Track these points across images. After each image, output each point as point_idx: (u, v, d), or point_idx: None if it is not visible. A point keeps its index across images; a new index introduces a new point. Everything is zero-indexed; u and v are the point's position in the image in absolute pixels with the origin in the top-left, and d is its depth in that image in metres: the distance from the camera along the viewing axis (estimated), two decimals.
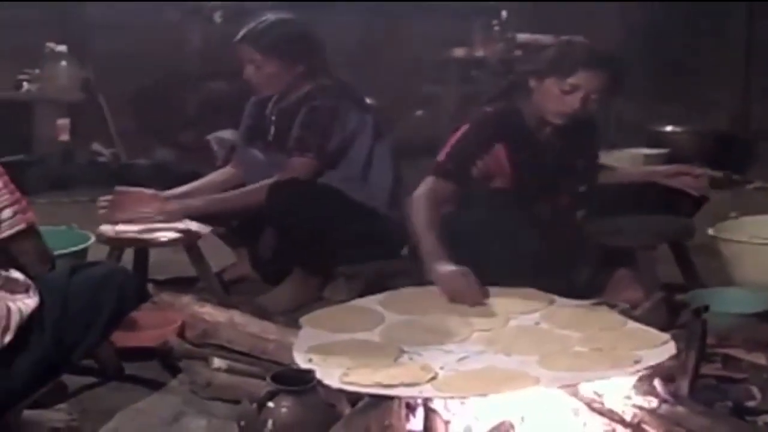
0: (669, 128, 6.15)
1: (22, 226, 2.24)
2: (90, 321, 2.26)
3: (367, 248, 3.21)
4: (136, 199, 3.34)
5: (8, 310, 2.13)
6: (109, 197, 3.35)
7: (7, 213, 2.21)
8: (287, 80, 3.39)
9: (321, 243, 3.21)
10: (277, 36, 3.36)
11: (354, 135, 3.34)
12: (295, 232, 3.24)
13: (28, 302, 2.17)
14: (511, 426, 2.15)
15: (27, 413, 2.32)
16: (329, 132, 3.30)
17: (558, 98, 3.03)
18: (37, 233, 2.34)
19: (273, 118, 3.46)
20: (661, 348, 2.39)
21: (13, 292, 2.17)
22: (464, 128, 3.09)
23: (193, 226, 3.27)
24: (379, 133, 3.39)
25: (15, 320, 2.13)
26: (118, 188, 3.39)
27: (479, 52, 6.37)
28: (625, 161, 5.13)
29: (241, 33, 3.39)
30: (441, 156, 3.07)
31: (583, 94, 3.01)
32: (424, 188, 3.00)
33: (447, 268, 2.79)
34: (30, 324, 2.16)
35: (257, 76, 3.38)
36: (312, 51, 3.41)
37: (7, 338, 2.11)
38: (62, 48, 5.74)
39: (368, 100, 3.62)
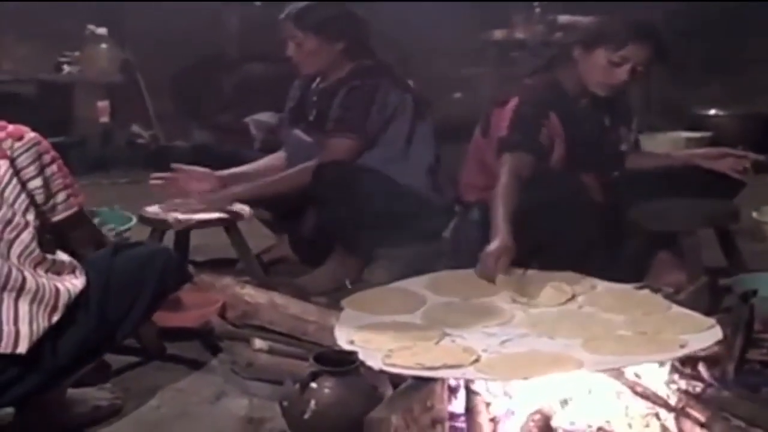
0: (712, 111, 6.07)
1: (75, 209, 2.28)
2: (133, 300, 2.27)
3: (407, 230, 3.20)
4: (192, 177, 3.36)
5: (57, 290, 2.15)
6: (162, 174, 3.37)
7: (61, 196, 2.26)
8: (327, 58, 3.39)
9: (362, 224, 3.20)
10: (318, 14, 3.37)
11: (394, 115, 3.33)
12: (337, 214, 3.23)
13: (75, 282, 2.19)
14: (553, 409, 2.15)
15: (71, 391, 2.34)
16: (369, 112, 3.29)
17: (606, 69, 3.05)
18: (87, 216, 2.40)
19: (314, 98, 3.46)
20: (707, 332, 2.36)
21: (59, 273, 2.20)
22: (515, 101, 3.07)
23: (236, 206, 3.28)
24: (419, 113, 3.37)
25: (63, 300, 2.15)
26: (175, 165, 3.41)
27: (519, 34, 6.32)
28: (667, 145, 5.07)
29: (285, 11, 3.41)
30: (502, 131, 3.05)
31: (630, 66, 3.03)
32: (505, 168, 2.96)
33: (493, 244, 2.78)
34: (76, 304, 2.18)
35: (298, 53, 3.40)
36: (352, 30, 3.41)
37: (55, 318, 2.14)
38: (102, 30, 5.76)
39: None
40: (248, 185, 3.37)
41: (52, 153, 2.27)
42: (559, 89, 3.13)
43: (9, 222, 2.15)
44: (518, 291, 2.67)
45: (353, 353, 2.18)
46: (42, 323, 2.12)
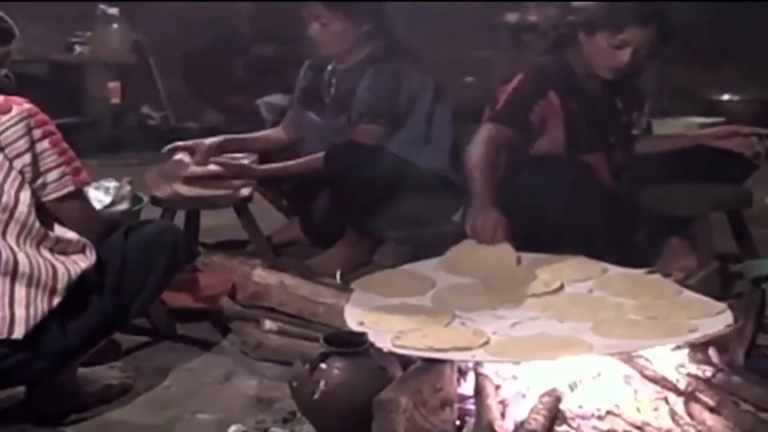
0: (725, 96, 6.03)
1: (68, 190, 2.19)
2: (145, 278, 2.27)
3: (423, 212, 3.19)
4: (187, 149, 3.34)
5: (54, 272, 2.11)
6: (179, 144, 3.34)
7: (53, 175, 2.17)
8: (351, 40, 3.35)
9: (376, 206, 3.18)
10: None
11: (416, 97, 3.31)
12: (350, 195, 3.22)
13: (80, 263, 2.16)
14: (562, 392, 2.15)
15: (82, 370, 2.35)
16: (396, 96, 3.28)
17: (607, 52, 3.04)
18: (87, 198, 2.33)
19: (333, 80, 3.43)
20: (718, 317, 2.35)
21: (65, 252, 2.16)
22: (518, 77, 3.08)
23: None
24: (439, 95, 3.36)
25: (63, 282, 2.12)
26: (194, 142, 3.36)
27: (532, 17, 6.29)
28: (680, 130, 5.02)
29: None
30: (498, 104, 3.07)
31: (632, 49, 3.02)
32: (483, 133, 3.01)
33: (481, 205, 2.81)
34: (88, 283, 2.17)
35: (322, 34, 3.35)
36: (376, 11, 3.38)
37: (56, 300, 2.11)
38: (114, 11, 5.76)
39: None
40: (273, 166, 3.34)
41: (45, 128, 2.17)
42: (565, 69, 3.13)
43: None
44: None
45: (363, 335, 2.18)
46: (41, 306, 2.09)
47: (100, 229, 2.28)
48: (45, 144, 2.16)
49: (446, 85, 3.59)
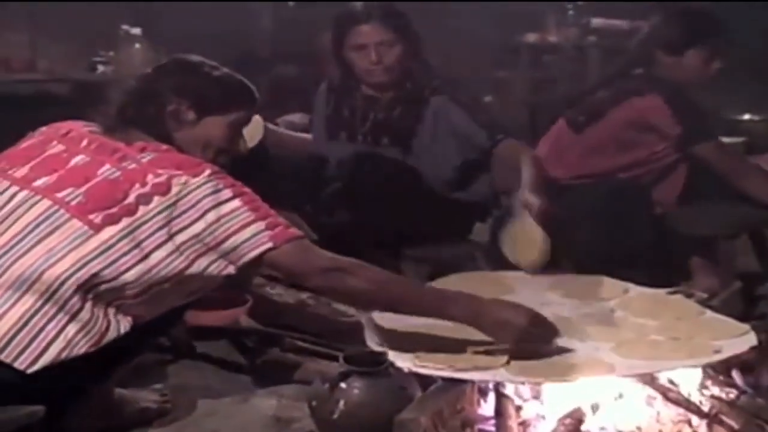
0: (746, 116, 6.00)
1: (267, 246, 2.06)
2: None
3: (436, 229, 3.18)
4: None
5: (107, 328, 2.01)
6: None
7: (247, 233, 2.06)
8: (406, 64, 3.18)
9: (395, 223, 3.17)
10: (398, 11, 3.19)
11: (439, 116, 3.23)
12: (371, 213, 3.18)
13: (128, 319, 2.05)
14: (584, 413, 2.13)
15: (120, 392, 2.32)
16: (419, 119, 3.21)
17: (700, 69, 3.17)
18: (298, 249, 2.13)
19: (365, 107, 3.29)
20: (742, 338, 2.33)
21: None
22: (655, 99, 3.10)
23: None
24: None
25: (109, 338, 2.01)
26: None
27: (552, 38, 6.29)
28: None
29: (362, 11, 3.15)
30: (669, 127, 3.10)
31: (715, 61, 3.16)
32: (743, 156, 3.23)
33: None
34: None
35: (389, 58, 3.14)
36: (414, 34, 3.23)
37: (91, 349, 2.00)
38: (137, 30, 5.80)
39: None
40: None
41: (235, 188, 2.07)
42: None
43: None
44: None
45: (383, 354, 2.17)
46: (74, 351, 1.98)
47: (319, 272, 2.11)
48: (235, 203, 2.07)
49: None
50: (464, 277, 2.82)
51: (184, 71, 2.28)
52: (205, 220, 2.04)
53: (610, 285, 2.73)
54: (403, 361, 2.18)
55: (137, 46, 5.80)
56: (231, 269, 2.08)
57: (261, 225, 2.07)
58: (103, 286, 2.00)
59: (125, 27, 5.80)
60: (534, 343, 2.18)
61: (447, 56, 6.18)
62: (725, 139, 5.81)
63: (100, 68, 5.89)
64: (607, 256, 2.86)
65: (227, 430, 2.31)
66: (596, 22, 6.11)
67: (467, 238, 3.36)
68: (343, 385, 2.07)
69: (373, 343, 2.34)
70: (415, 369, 2.16)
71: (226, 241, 2.05)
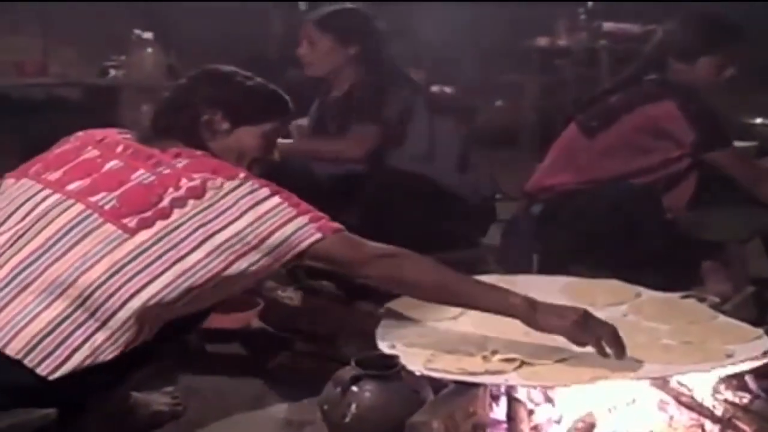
0: (759, 120, 5.98)
1: (316, 236, 2.07)
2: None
3: (445, 234, 3.19)
4: None
5: (137, 335, 1.99)
6: None
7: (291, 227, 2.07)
8: (337, 62, 3.40)
9: (405, 227, 3.17)
10: (336, 16, 3.42)
11: (410, 112, 3.34)
12: (379, 215, 3.21)
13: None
14: (596, 418, 2.12)
15: (133, 395, 2.33)
16: (383, 105, 3.31)
17: (713, 76, 3.15)
18: (344, 240, 2.15)
19: (333, 110, 3.47)
20: (755, 343, 2.31)
21: None
22: (669, 104, 3.09)
23: None
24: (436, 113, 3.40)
25: (136, 343, 2.01)
26: None
27: (563, 42, 6.29)
28: None
29: (312, 13, 3.49)
30: (682, 134, 3.09)
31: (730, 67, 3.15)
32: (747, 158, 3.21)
33: None
34: None
35: (310, 53, 3.42)
36: (368, 37, 3.42)
37: (114, 356, 1.98)
38: (148, 35, 5.82)
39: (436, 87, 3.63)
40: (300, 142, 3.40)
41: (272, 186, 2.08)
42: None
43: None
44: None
45: (395, 357, 2.17)
46: (99, 359, 1.96)
47: (373, 259, 2.13)
48: (275, 200, 2.07)
49: (476, 107, 3.61)
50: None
51: (217, 81, 2.28)
52: (245, 219, 2.03)
53: (621, 289, 2.72)
54: (414, 364, 2.17)
55: (149, 50, 5.82)
56: (275, 266, 2.07)
57: (305, 219, 2.07)
58: (140, 293, 1.97)
59: (137, 31, 5.82)
60: (587, 340, 2.12)
61: (457, 60, 6.20)
62: (737, 143, 5.84)
63: (112, 72, 5.91)
64: (619, 260, 2.85)
65: None
66: (607, 26, 6.10)
67: (478, 241, 3.35)
68: (354, 388, 2.07)
69: (384, 347, 2.34)
70: (426, 372, 2.15)
71: (271, 236, 2.04)
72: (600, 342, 2.10)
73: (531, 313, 2.12)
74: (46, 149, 2.27)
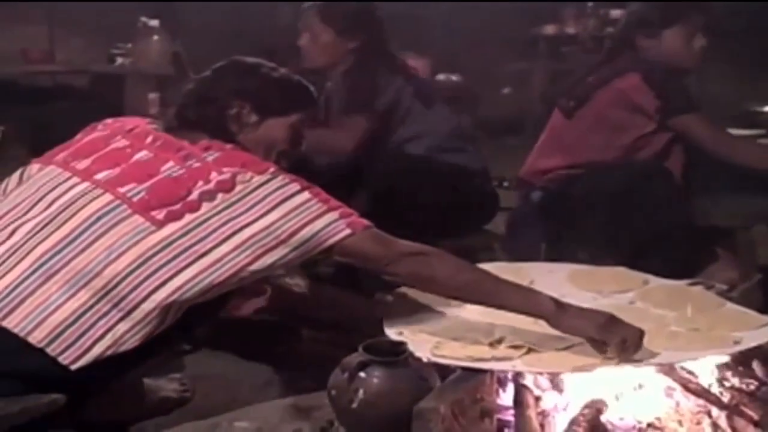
0: (766, 108, 5.96)
1: (346, 232, 2.09)
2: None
3: (456, 217, 3.19)
4: None
5: (158, 325, 1.99)
6: None
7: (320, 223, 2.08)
8: (336, 54, 3.38)
9: (410, 214, 3.17)
10: (340, 7, 3.39)
11: (401, 102, 3.33)
12: (385, 203, 3.21)
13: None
14: (604, 404, 2.12)
15: (144, 380, 2.34)
16: (373, 96, 3.29)
17: (683, 50, 3.17)
18: (372, 238, 2.16)
19: (326, 101, 3.44)
20: (762, 330, 2.31)
21: None
22: (633, 77, 3.14)
23: None
24: (428, 102, 3.38)
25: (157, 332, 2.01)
26: None
27: (570, 29, 6.27)
28: None
29: (312, 3, 3.44)
30: (647, 104, 3.14)
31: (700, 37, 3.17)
32: (706, 122, 3.18)
33: None
34: None
35: (311, 44, 3.41)
36: (370, 30, 3.40)
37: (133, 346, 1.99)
38: (155, 23, 5.82)
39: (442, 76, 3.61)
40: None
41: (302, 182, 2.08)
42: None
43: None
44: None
45: (402, 343, 2.17)
46: (120, 349, 1.96)
47: (402, 256, 2.13)
48: (305, 195, 2.07)
49: (483, 95, 3.61)
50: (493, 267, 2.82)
51: (244, 73, 2.28)
52: (275, 214, 2.03)
53: (629, 276, 2.72)
54: (422, 350, 2.18)
55: (155, 38, 5.83)
56: (299, 261, 2.08)
57: (335, 214, 2.07)
58: (165, 285, 1.97)
59: (143, 19, 5.83)
60: (611, 342, 2.09)
61: (466, 48, 6.19)
62: (744, 131, 5.83)
63: (119, 60, 5.92)
64: (626, 243, 2.85)
65: (247, 419, 2.31)
66: (615, 13, 6.08)
67: (484, 228, 3.36)
68: (362, 374, 2.07)
69: (392, 333, 2.34)
70: (433, 358, 2.16)
71: (301, 231, 2.04)
72: (623, 343, 2.07)
73: (558, 314, 2.11)
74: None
